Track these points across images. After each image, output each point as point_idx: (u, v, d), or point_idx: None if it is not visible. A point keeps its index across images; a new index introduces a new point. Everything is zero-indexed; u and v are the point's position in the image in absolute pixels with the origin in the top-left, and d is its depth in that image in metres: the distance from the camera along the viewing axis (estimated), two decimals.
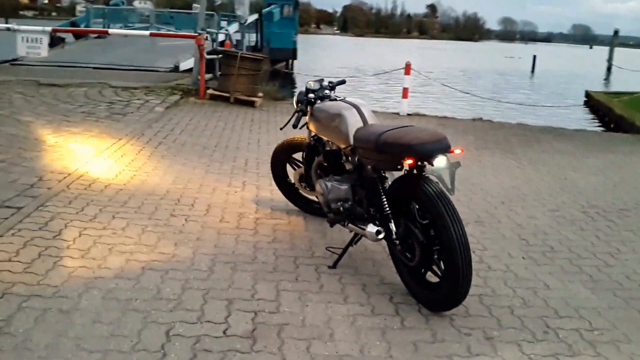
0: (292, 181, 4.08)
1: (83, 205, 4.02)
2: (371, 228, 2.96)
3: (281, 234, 3.78)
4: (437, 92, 18.43)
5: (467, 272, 2.62)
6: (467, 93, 14.46)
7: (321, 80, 3.70)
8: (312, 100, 3.52)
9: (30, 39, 9.30)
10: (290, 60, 24.41)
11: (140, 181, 4.70)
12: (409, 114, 9.51)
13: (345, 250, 3.27)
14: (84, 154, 5.37)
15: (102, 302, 2.74)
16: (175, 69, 12.26)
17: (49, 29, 9.88)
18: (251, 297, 2.90)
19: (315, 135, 3.59)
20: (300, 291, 3.00)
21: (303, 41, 30.21)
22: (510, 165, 6.23)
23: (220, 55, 9.62)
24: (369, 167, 3.04)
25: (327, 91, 3.59)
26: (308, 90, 3.54)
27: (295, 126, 3.41)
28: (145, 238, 3.53)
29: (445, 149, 2.70)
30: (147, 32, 11.63)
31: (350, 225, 3.20)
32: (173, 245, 3.46)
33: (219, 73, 9.57)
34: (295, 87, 19.99)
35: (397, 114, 9.67)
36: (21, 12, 73.35)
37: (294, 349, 2.47)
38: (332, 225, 3.31)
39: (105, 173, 4.81)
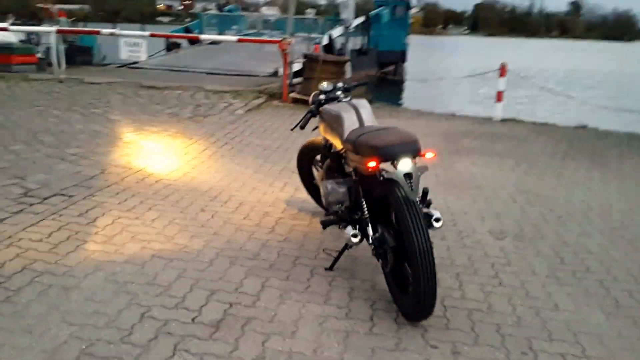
0: (317, 183, 4.18)
1: (127, 197, 4.42)
2: (349, 230, 3.00)
3: (295, 234, 3.91)
4: (558, 98, 17.32)
5: (428, 280, 2.58)
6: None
7: (337, 82, 3.78)
8: (322, 101, 3.61)
9: (131, 43, 10.20)
10: (399, 64, 24.23)
11: (190, 178, 5.05)
12: (503, 120, 9.11)
13: (340, 253, 3.32)
14: (151, 152, 5.87)
15: (102, 283, 3.05)
16: (275, 74, 12.77)
17: (147, 34, 10.74)
18: (234, 290, 3.06)
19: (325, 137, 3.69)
20: (285, 289, 3.11)
21: (425, 43, 29.61)
22: (593, 178, 5.79)
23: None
24: (351, 169, 3.09)
25: (339, 92, 3.66)
26: (321, 92, 3.64)
27: (302, 127, 3.53)
28: (168, 229, 3.83)
29: (412, 152, 2.68)
30: (235, 38, 12.19)
31: (342, 228, 3.26)
32: (189, 238, 3.72)
33: (303, 77, 9.87)
34: (402, 92, 19.84)
35: (490, 118, 9.32)
36: (158, 19, 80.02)
37: (250, 342, 2.60)
38: (324, 227, 3.38)
39: (162, 169, 5.23)
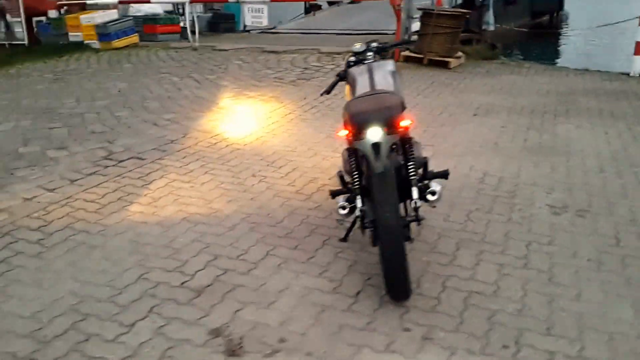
0: None
1: (191, 160, 4.67)
2: (338, 201, 2.87)
3: (329, 203, 3.83)
4: None
5: (393, 259, 2.40)
6: None
7: (371, 42, 3.57)
8: (351, 63, 3.44)
9: (254, 9, 10.51)
10: (556, 13, 21.87)
11: (260, 142, 5.18)
12: None
13: (352, 224, 3.20)
14: (237, 116, 6.11)
15: (124, 243, 3.30)
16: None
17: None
18: (236, 257, 3.12)
19: None
20: (286, 259, 3.10)
21: None
22: None
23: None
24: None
25: (369, 54, 3.45)
26: (353, 53, 3.48)
27: (327, 92, 3.41)
28: (210, 193, 4.00)
29: (380, 120, 2.45)
30: None
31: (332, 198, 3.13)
32: (225, 202, 3.85)
33: (418, 33, 9.42)
34: (557, 47, 17.99)
35: (627, 74, 8.17)
36: None
37: (223, 310, 2.65)
38: (332, 197, 3.26)
39: (237, 134, 5.41)
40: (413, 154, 2.74)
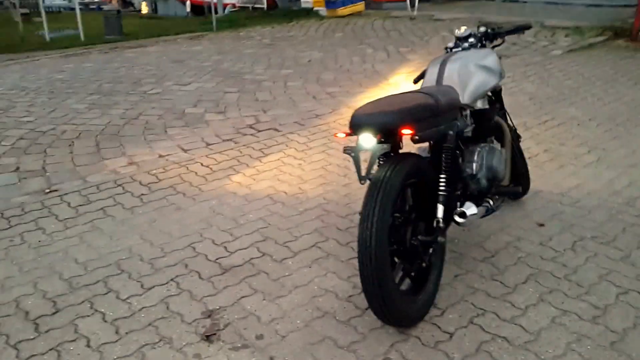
0: None
1: (317, 138, 4.74)
2: None
3: None
4: None
5: (366, 283, 2.14)
6: None
7: (483, 25, 3.15)
8: (448, 50, 3.11)
9: None
10: None
11: None
12: None
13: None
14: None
15: (203, 211, 3.53)
16: None
17: None
18: (282, 243, 3.10)
19: None
20: (329, 254, 2.98)
21: None
22: None
23: None
24: None
25: (471, 40, 3.05)
26: (456, 38, 3.14)
27: (416, 81, 3.15)
28: (310, 174, 4.01)
29: (372, 127, 2.14)
30: None
31: None
32: (316, 185, 3.82)
33: None
34: None
35: None
36: None
37: (232, 292, 2.66)
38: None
39: None
40: (447, 166, 2.35)
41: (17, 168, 4.19)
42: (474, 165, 2.66)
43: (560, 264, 2.81)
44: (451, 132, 2.35)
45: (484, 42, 3.04)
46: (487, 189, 2.69)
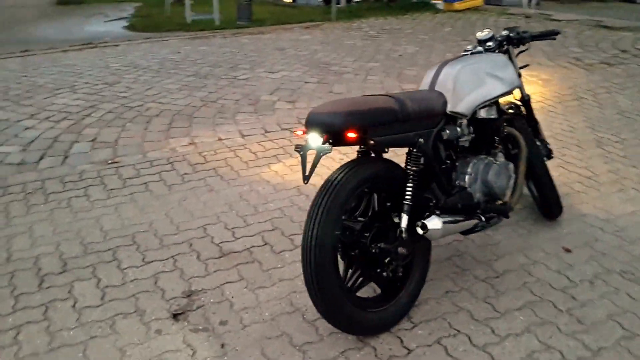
0: None
1: None
2: None
3: None
4: None
5: (308, 276, 2.12)
6: None
7: (511, 29, 2.96)
8: (466, 53, 2.96)
9: None
10: None
11: None
12: None
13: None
14: None
15: (232, 195, 3.66)
16: None
17: None
18: (288, 235, 3.15)
19: None
20: None
21: None
22: None
23: None
24: None
25: (489, 44, 2.87)
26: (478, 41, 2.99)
27: None
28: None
29: (317, 127, 2.07)
30: None
31: None
32: None
33: None
34: None
35: None
36: None
37: (219, 277, 2.76)
38: None
39: None
40: (415, 175, 2.24)
41: (94, 139, 4.61)
42: (467, 177, 2.50)
43: (569, 295, 2.54)
44: (421, 140, 2.22)
45: (505, 46, 2.81)
46: (481, 204, 2.51)
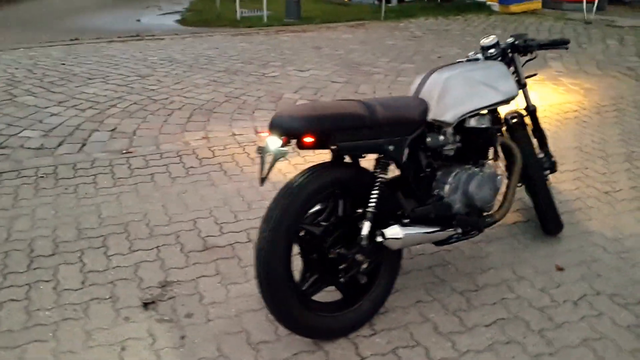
0: None
1: None
2: None
3: None
4: None
5: (258, 277, 2.14)
6: None
7: (518, 36, 2.90)
8: (469, 59, 2.92)
9: None
10: None
11: None
12: None
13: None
14: None
15: (230, 190, 3.75)
16: None
17: None
18: (254, 227, 3.19)
19: None
20: None
21: None
22: None
23: None
24: None
25: (491, 51, 2.82)
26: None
27: None
28: None
29: (275, 129, 2.08)
30: None
31: None
32: None
33: None
34: None
35: None
36: None
37: (198, 270, 2.83)
38: None
39: None
40: (377, 183, 2.23)
41: (114, 128, 4.78)
42: (446, 187, 2.46)
43: (546, 315, 2.47)
44: (391, 147, 2.20)
45: (509, 54, 2.74)
46: (457, 215, 2.47)
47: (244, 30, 10.21)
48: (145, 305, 2.52)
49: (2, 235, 3.07)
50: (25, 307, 2.49)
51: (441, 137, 2.41)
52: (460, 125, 2.49)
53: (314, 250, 2.20)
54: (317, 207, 2.20)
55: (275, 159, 2.00)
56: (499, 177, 2.61)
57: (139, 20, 12.60)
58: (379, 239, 2.17)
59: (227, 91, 5.91)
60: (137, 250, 2.95)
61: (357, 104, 2.15)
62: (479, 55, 2.71)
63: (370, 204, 2.18)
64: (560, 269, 2.81)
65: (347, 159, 2.27)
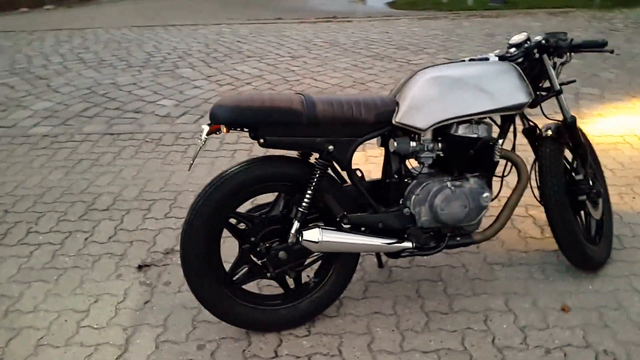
0: None
1: None
2: None
3: None
4: None
5: (183, 265, 2.22)
6: None
7: (552, 34, 2.50)
8: (494, 57, 2.61)
9: None
10: None
11: None
12: None
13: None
14: None
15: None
16: None
17: None
18: None
19: None
20: None
21: None
22: None
23: None
24: None
25: (513, 50, 2.46)
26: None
27: None
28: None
29: (210, 117, 2.08)
30: None
31: None
32: None
33: None
34: None
35: None
36: None
37: None
38: None
39: None
40: (317, 184, 2.12)
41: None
42: (413, 197, 2.22)
43: (500, 357, 2.11)
44: (331, 147, 2.06)
45: (535, 55, 2.31)
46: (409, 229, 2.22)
47: (430, 14, 10.01)
48: (140, 267, 2.74)
49: (82, 186, 3.57)
50: (55, 250, 2.89)
51: (412, 144, 2.15)
52: (446, 132, 2.20)
53: (246, 242, 2.17)
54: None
55: (198, 147, 2.01)
56: (485, 195, 2.23)
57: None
58: (302, 237, 2.05)
59: (358, 77, 5.89)
60: (170, 217, 3.18)
61: (297, 98, 2.03)
62: (491, 55, 2.31)
63: (302, 203, 2.07)
64: (565, 310, 2.32)
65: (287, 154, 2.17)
